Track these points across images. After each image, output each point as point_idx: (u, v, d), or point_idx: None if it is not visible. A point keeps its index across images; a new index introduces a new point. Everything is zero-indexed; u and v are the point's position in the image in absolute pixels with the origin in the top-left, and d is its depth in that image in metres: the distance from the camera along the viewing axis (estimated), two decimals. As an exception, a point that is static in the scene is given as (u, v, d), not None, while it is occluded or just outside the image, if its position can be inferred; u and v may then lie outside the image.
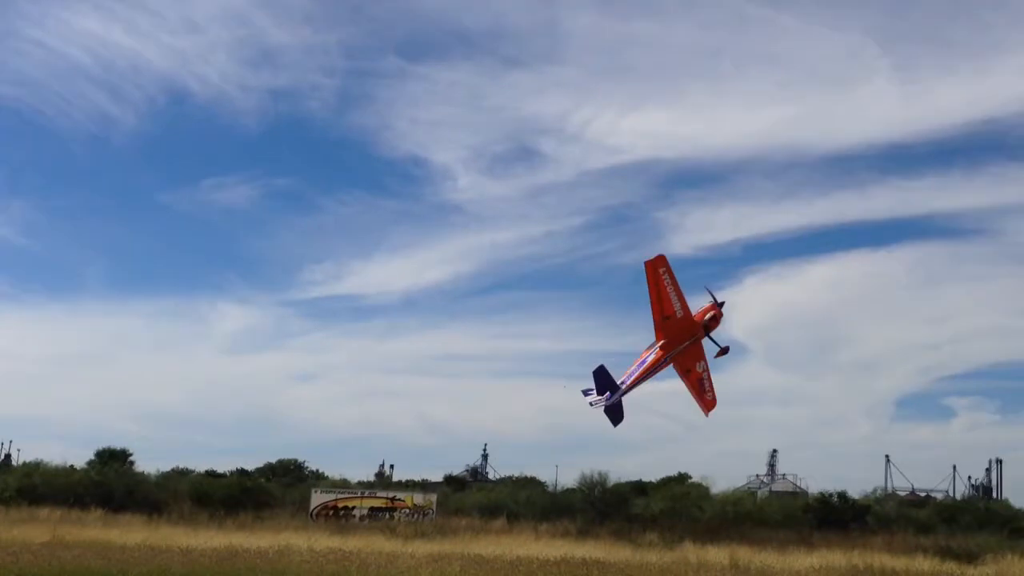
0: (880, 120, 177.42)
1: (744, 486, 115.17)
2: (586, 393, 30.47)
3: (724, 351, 28.00)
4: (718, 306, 28.59)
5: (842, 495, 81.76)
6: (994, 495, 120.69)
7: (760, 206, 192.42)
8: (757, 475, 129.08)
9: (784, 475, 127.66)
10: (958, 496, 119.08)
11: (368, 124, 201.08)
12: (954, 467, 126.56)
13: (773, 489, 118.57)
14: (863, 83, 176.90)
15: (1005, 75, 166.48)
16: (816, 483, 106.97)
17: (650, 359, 28.76)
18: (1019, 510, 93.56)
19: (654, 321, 28.55)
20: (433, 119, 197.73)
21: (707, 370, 28.69)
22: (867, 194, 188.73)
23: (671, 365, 29.99)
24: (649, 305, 29.18)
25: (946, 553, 51.65)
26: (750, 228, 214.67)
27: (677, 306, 28.08)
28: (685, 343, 27.97)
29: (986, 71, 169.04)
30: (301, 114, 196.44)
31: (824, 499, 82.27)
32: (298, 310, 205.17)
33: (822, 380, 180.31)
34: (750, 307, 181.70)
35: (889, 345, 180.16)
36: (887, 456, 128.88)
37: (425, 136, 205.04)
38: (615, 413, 29.72)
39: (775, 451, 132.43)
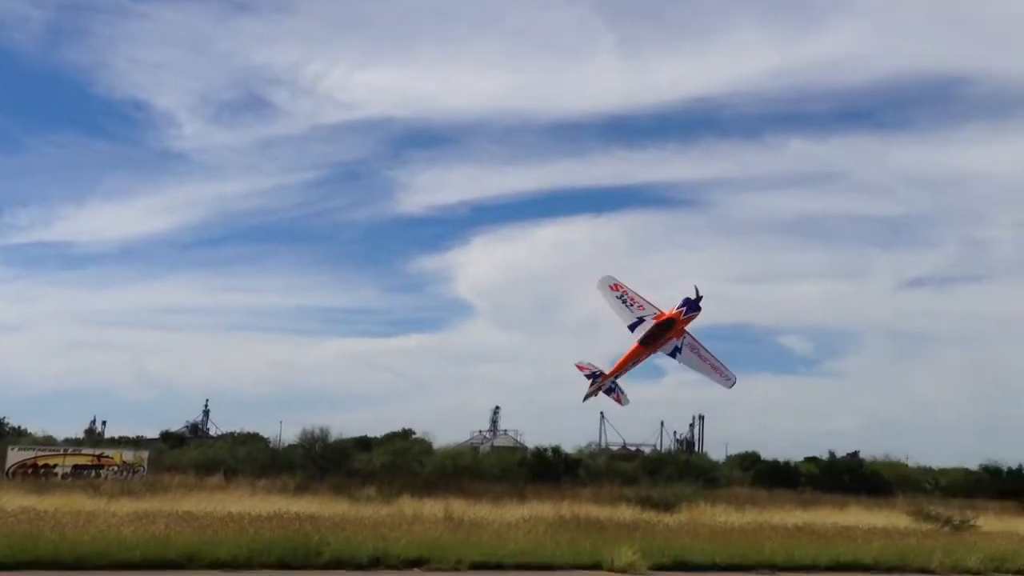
0: (604, 92, 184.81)
1: (467, 441, 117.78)
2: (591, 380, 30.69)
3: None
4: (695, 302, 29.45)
5: (556, 449, 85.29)
6: (696, 449, 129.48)
7: (489, 169, 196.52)
8: (480, 431, 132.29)
9: (506, 431, 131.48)
10: (665, 450, 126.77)
11: (83, 61, 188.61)
12: (662, 423, 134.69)
13: (495, 444, 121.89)
14: (589, 55, 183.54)
15: (719, 56, 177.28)
16: (536, 438, 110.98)
17: (632, 349, 29.53)
18: (715, 462, 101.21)
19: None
20: (156, 61, 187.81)
21: (707, 353, 29.44)
22: (591, 162, 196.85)
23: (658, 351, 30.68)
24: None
25: (646, 503, 54.80)
26: (479, 190, 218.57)
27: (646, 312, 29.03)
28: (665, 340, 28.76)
29: (702, 52, 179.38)
30: (5, 46, 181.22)
31: (539, 453, 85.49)
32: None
33: (545, 339, 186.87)
34: (477, 268, 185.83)
35: (607, 307, 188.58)
36: (602, 413, 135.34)
37: (147, 78, 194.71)
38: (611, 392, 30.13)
39: (498, 407, 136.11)
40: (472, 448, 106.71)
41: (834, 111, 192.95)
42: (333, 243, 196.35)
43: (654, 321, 29.89)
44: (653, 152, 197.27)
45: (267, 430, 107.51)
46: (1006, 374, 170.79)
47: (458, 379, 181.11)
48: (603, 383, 30.14)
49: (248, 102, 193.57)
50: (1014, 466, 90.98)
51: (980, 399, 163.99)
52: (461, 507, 47.87)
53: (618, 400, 30.56)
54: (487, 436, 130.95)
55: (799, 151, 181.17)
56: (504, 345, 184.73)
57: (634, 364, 30.13)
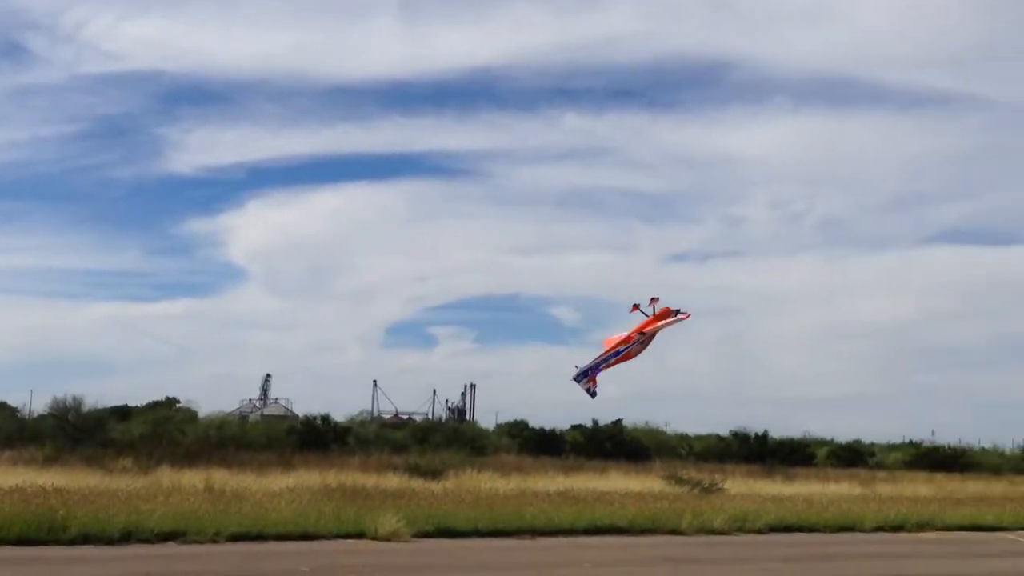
0: (385, 56, 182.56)
1: (236, 410, 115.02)
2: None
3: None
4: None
5: (325, 418, 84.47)
6: (467, 417, 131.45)
7: (266, 130, 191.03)
8: (250, 399, 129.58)
9: (277, 399, 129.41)
10: (437, 418, 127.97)
11: None
12: (434, 391, 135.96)
13: (265, 413, 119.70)
14: (371, 18, 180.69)
15: (498, 27, 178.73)
16: (308, 407, 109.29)
17: (624, 351, 28.55)
18: (484, 430, 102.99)
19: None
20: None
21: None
22: (371, 128, 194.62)
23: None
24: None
25: (414, 470, 55.06)
26: (255, 152, 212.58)
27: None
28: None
29: (482, 21, 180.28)
30: None
31: (308, 422, 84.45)
32: None
33: (319, 306, 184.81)
34: (251, 232, 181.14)
35: (384, 275, 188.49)
36: (375, 381, 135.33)
37: None
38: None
39: (269, 375, 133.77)
40: (240, 417, 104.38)
41: (608, 88, 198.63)
42: (94, 201, 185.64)
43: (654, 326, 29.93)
44: (432, 120, 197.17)
45: (16, 399, 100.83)
46: (756, 346, 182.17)
47: (228, 346, 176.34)
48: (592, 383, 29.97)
49: (1, 47, 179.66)
50: (760, 432, 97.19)
51: (732, 369, 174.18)
52: (224, 477, 46.69)
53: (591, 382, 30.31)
54: (257, 404, 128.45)
55: (573, 125, 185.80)
56: (277, 312, 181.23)
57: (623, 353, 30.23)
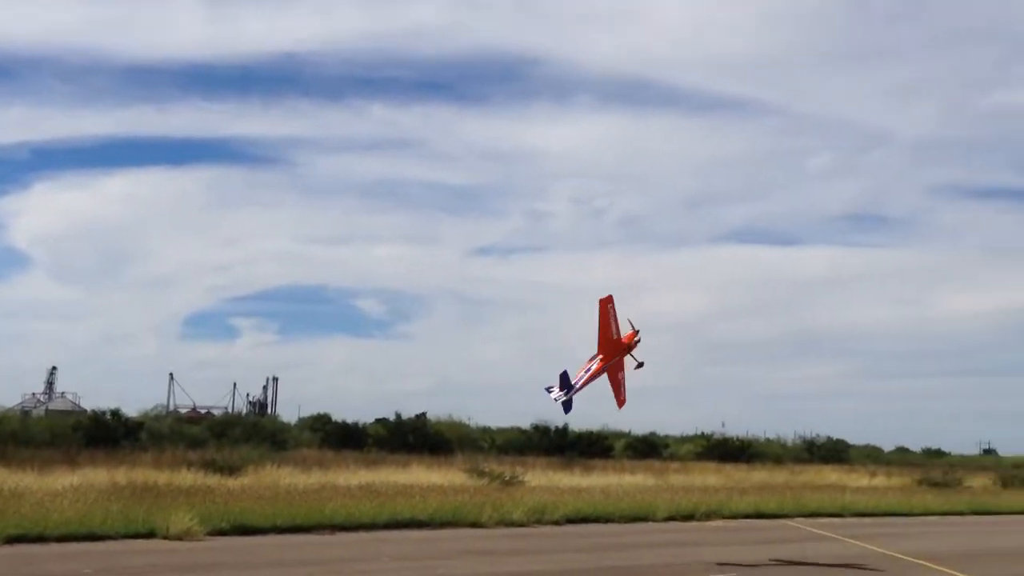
0: (187, 37, 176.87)
1: (18, 405, 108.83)
2: (548, 390, 32.38)
3: (639, 365, 32.65)
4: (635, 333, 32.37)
5: (115, 413, 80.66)
6: (268, 411, 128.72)
7: (55, 109, 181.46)
8: (33, 393, 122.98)
9: (64, 393, 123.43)
10: (237, 412, 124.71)
11: None
12: (235, 384, 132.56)
13: (50, 408, 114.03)
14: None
15: (306, 13, 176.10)
16: (97, 401, 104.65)
17: (594, 367, 32.09)
18: (286, 424, 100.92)
19: (599, 342, 31.64)
20: None
21: (624, 377, 33.03)
22: (169, 111, 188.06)
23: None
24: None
25: (211, 466, 53.33)
26: (42, 131, 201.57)
27: (615, 332, 31.55)
28: (617, 357, 32.33)
29: (289, 6, 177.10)
30: None
31: (97, 417, 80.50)
32: None
33: (111, 295, 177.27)
34: (38, 216, 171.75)
35: (181, 263, 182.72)
36: (171, 374, 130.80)
37: None
38: (567, 406, 32.77)
39: (54, 368, 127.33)
40: (22, 412, 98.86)
41: (415, 80, 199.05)
42: None
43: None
44: (235, 105, 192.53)
45: None
46: (557, 340, 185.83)
47: (9, 336, 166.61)
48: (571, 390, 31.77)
49: None
50: (560, 425, 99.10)
51: (534, 362, 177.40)
52: (1, 476, 43.98)
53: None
54: (41, 399, 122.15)
55: (380, 116, 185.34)
56: (65, 300, 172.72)
57: (598, 372, 32.58)
